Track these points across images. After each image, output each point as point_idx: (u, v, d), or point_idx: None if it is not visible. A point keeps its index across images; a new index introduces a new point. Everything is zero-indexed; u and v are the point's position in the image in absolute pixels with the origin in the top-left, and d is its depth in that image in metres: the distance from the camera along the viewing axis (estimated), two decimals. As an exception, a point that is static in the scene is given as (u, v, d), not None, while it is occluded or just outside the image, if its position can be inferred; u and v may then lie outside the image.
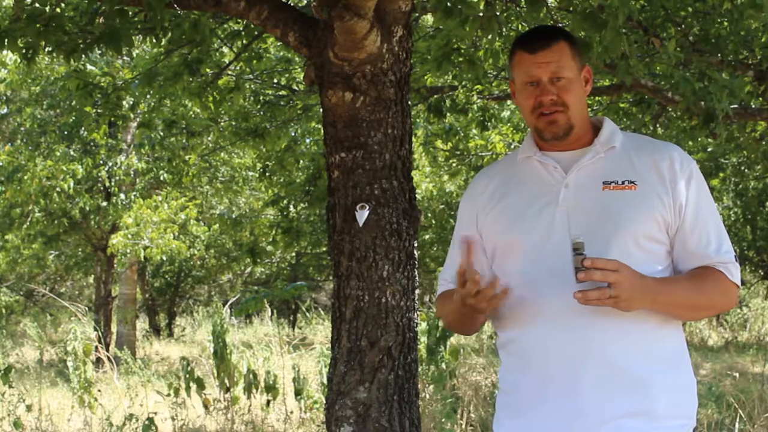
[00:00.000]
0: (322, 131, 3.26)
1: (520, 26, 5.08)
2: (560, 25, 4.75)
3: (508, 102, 8.25)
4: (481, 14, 3.42)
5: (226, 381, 6.57)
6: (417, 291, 3.17)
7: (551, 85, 1.81)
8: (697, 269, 1.78)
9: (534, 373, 1.79)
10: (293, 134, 8.24)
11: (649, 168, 1.79)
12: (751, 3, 3.42)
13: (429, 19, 6.19)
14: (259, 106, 7.08)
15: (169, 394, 6.37)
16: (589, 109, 7.65)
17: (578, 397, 1.73)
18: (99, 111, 5.56)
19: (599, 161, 1.83)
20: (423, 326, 6.82)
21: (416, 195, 3.23)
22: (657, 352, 1.76)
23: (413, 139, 3.96)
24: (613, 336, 1.73)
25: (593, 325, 1.73)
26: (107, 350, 9.16)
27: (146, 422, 5.67)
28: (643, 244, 1.76)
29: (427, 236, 13.72)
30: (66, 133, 11.45)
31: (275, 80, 7.10)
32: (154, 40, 4.33)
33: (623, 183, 1.79)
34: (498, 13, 3.77)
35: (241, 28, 5.33)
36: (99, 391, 6.68)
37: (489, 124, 7.55)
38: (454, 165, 9.79)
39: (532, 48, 1.83)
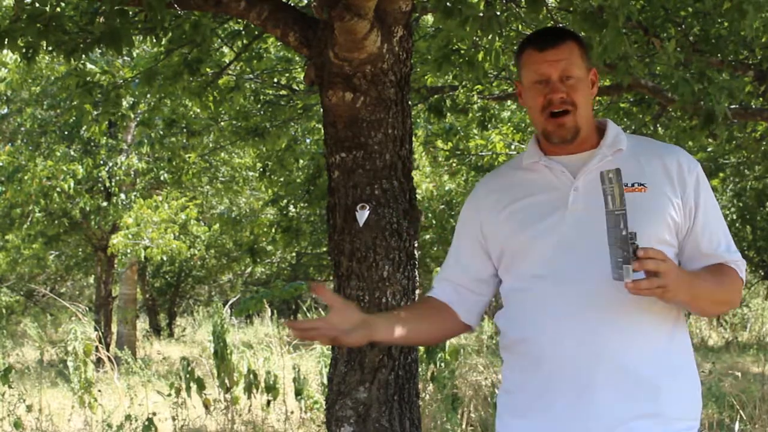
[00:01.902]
0: (323, 131, 3.26)
1: (520, 27, 5.08)
2: (560, 25, 4.76)
3: (509, 102, 8.25)
4: (481, 14, 3.42)
5: (227, 381, 6.57)
6: (417, 291, 3.17)
7: (561, 83, 1.78)
8: (713, 266, 1.80)
9: (544, 374, 1.78)
10: (293, 134, 8.24)
11: (658, 170, 1.79)
12: (738, 6, 3.42)
13: (429, 19, 6.19)
14: (259, 106, 7.09)
15: (169, 394, 6.37)
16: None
17: (589, 399, 1.72)
18: (99, 110, 5.56)
19: (608, 164, 1.80)
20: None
21: (416, 195, 3.23)
22: (667, 356, 1.76)
23: (413, 139, 3.96)
24: (626, 339, 1.73)
25: (605, 329, 1.72)
26: (107, 350, 9.16)
27: (146, 422, 5.67)
28: (653, 247, 1.73)
29: (427, 236, 13.71)
30: (66, 133, 11.46)
31: (275, 80, 7.10)
32: (154, 40, 4.34)
33: (633, 185, 1.77)
34: (498, 14, 3.78)
35: (241, 28, 5.33)
36: (99, 391, 6.67)
37: (489, 124, 7.55)
38: (454, 165, 9.79)
39: (541, 46, 1.81)
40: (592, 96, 1.87)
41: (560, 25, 4.76)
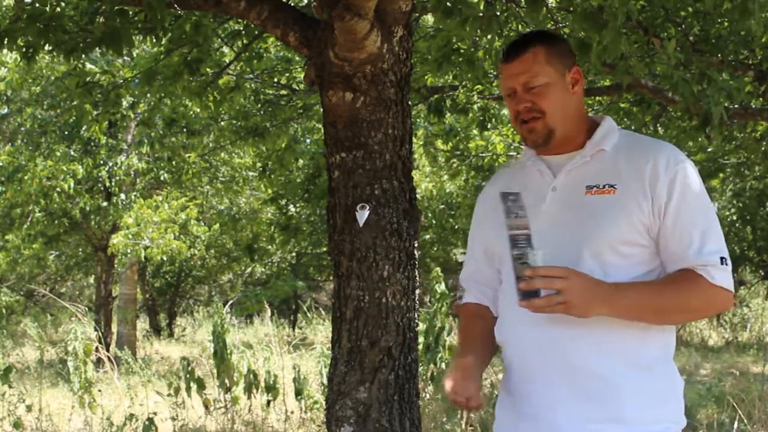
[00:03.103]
0: (323, 131, 3.27)
1: (519, 26, 5.08)
2: (560, 25, 4.76)
3: (508, 102, 8.23)
4: (481, 14, 3.43)
5: (227, 381, 6.57)
6: (417, 291, 3.17)
7: (526, 93, 1.83)
8: (675, 272, 1.75)
9: (513, 375, 1.84)
10: (293, 133, 8.24)
11: (633, 170, 1.78)
12: (743, 8, 3.42)
13: (429, 19, 6.19)
14: (259, 106, 7.09)
15: (169, 394, 6.37)
16: (590, 110, 7.68)
17: (548, 402, 1.76)
18: (99, 111, 5.56)
19: (586, 165, 1.83)
20: (421, 326, 6.83)
21: (416, 195, 3.24)
22: (631, 358, 1.74)
23: (413, 140, 3.96)
24: (584, 342, 1.73)
25: (564, 332, 1.73)
26: (107, 350, 9.16)
27: (146, 422, 5.67)
28: (620, 249, 1.75)
29: (427, 236, 13.72)
30: (66, 133, 11.46)
31: (275, 80, 7.10)
32: (154, 40, 4.34)
33: (604, 187, 1.78)
34: (498, 14, 3.78)
35: (241, 28, 5.33)
36: (99, 391, 6.67)
37: (489, 124, 7.55)
38: (455, 165, 9.79)
39: (507, 59, 1.87)
40: (574, 95, 1.86)
41: (560, 24, 4.76)
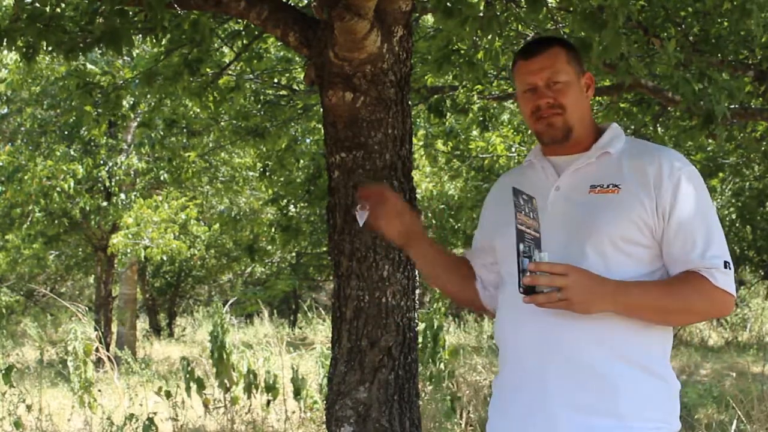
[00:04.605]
0: (323, 131, 3.27)
1: (519, 27, 5.08)
2: (560, 25, 4.76)
3: (508, 103, 8.25)
4: (481, 14, 3.43)
5: (226, 381, 6.57)
6: (417, 291, 3.17)
7: (547, 89, 1.85)
8: (680, 274, 1.76)
9: (511, 372, 1.86)
10: (293, 134, 8.24)
11: (637, 172, 1.80)
12: (743, 8, 3.42)
13: (429, 19, 6.19)
14: (259, 106, 7.09)
15: (168, 394, 6.37)
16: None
17: (545, 394, 1.76)
18: (99, 111, 5.56)
19: (590, 166, 1.86)
20: (420, 326, 6.82)
21: (416, 195, 3.24)
22: (630, 355, 1.75)
23: (414, 140, 3.97)
24: (583, 336, 1.75)
25: (563, 325, 1.75)
26: (107, 350, 9.15)
27: (146, 422, 5.67)
28: (622, 247, 1.76)
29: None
30: (66, 133, 11.46)
31: (275, 80, 7.10)
32: (154, 40, 4.34)
33: (608, 186, 1.81)
34: (498, 14, 3.78)
35: (241, 28, 5.33)
36: (99, 391, 6.67)
37: (489, 124, 7.55)
38: (455, 167, 9.79)
39: (527, 55, 1.89)
40: (586, 99, 1.91)
41: (560, 25, 4.76)
